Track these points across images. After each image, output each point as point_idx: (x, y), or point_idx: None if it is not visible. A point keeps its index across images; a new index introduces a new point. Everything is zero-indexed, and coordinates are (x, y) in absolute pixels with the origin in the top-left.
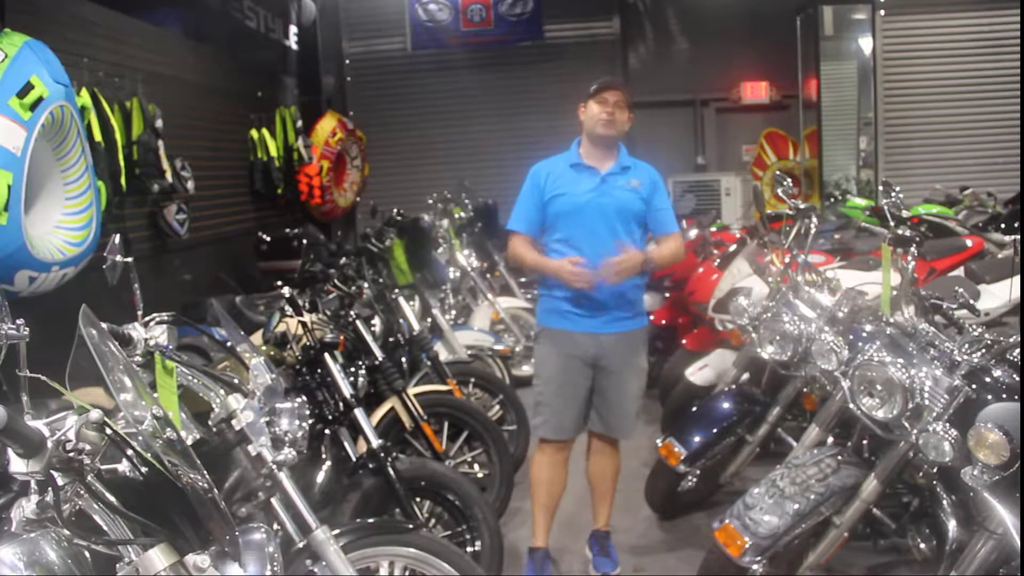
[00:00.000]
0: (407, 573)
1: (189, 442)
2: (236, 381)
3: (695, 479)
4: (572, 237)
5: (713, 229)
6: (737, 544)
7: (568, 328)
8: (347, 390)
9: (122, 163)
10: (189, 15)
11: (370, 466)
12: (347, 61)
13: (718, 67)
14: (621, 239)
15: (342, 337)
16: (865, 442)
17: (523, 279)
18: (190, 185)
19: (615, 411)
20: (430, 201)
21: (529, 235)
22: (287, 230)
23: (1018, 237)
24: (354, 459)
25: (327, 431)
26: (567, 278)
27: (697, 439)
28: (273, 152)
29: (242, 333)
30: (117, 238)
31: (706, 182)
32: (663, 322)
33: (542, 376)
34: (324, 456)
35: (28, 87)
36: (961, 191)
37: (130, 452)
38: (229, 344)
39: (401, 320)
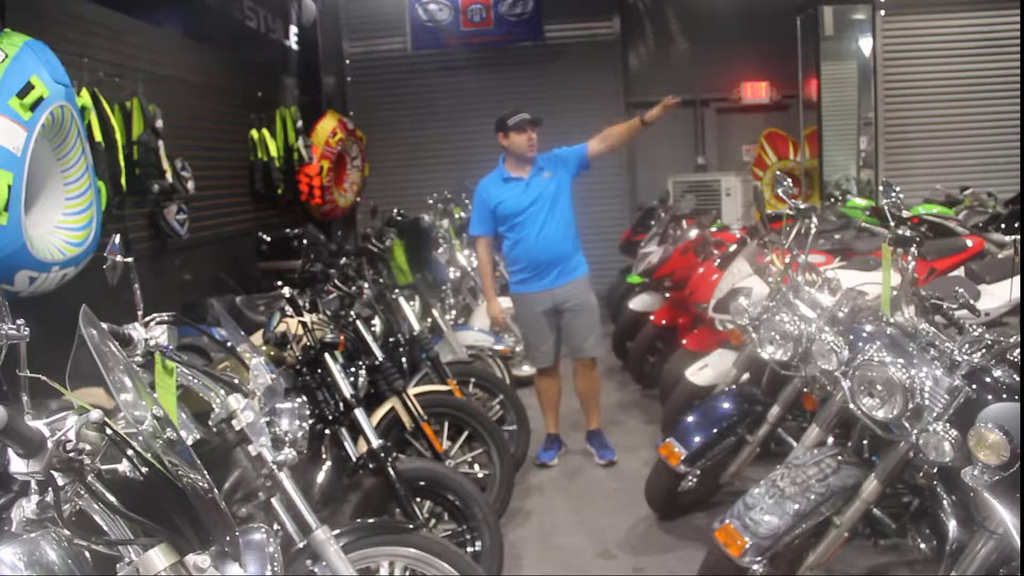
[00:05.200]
0: (407, 573)
1: (189, 442)
2: (236, 381)
3: (695, 479)
4: (516, 226)
5: (713, 229)
6: (737, 544)
7: (531, 290)
8: (347, 390)
9: (122, 163)
10: (189, 15)
11: (370, 466)
12: (347, 61)
13: (718, 67)
14: (552, 219)
15: (342, 337)
16: (865, 442)
17: None
18: (190, 185)
19: (580, 337)
20: (430, 201)
21: (489, 235)
22: (287, 230)
23: (1018, 237)
24: (354, 459)
25: (327, 431)
26: (491, 313)
27: (697, 439)
28: (273, 152)
29: (242, 333)
30: (117, 238)
31: (706, 182)
32: (663, 322)
33: (523, 328)
34: (324, 456)
35: (28, 87)
36: (961, 191)
37: (130, 452)
38: (229, 344)
39: (401, 320)
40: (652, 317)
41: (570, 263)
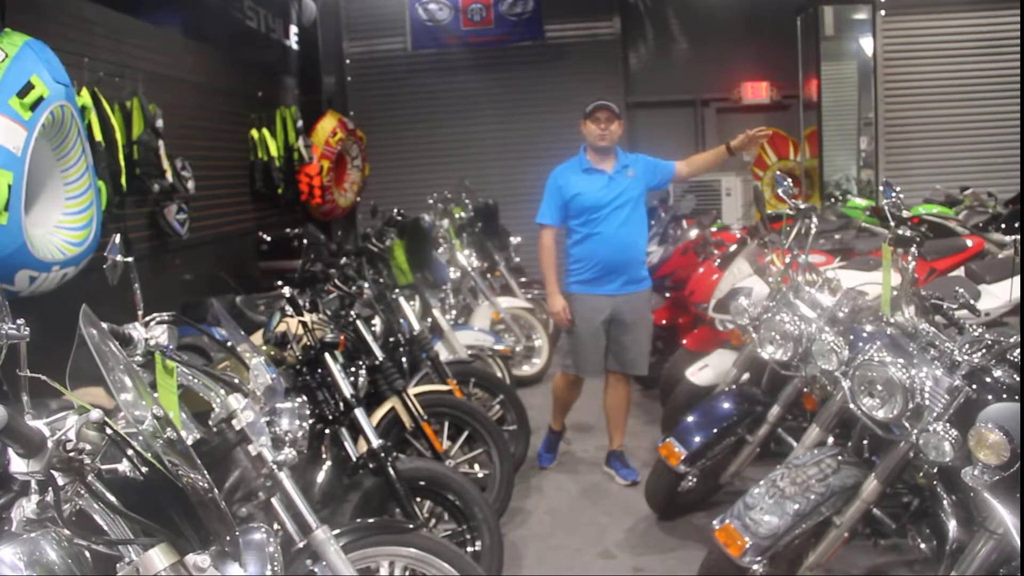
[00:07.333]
0: (407, 573)
1: (189, 442)
2: (236, 381)
3: (695, 479)
4: (591, 222)
5: (713, 229)
6: (737, 544)
7: (592, 292)
8: (347, 390)
9: (122, 163)
10: (189, 15)
11: (370, 466)
12: (347, 61)
13: (718, 67)
14: (631, 220)
15: (342, 337)
16: (865, 442)
17: (523, 279)
18: (190, 185)
19: (633, 352)
20: (430, 201)
21: (556, 226)
22: (287, 230)
23: (1018, 237)
24: (354, 459)
25: (327, 431)
26: (554, 309)
27: (697, 439)
28: (273, 152)
29: (242, 333)
30: (117, 238)
31: (706, 182)
32: (663, 322)
33: (575, 330)
34: (324, 456)
35: (28, 87)
36: (961, 191)
37: (130, 452)
38: (229, 344)
39: (401, 320)
40: (652, 317)
41: (639, 272)
